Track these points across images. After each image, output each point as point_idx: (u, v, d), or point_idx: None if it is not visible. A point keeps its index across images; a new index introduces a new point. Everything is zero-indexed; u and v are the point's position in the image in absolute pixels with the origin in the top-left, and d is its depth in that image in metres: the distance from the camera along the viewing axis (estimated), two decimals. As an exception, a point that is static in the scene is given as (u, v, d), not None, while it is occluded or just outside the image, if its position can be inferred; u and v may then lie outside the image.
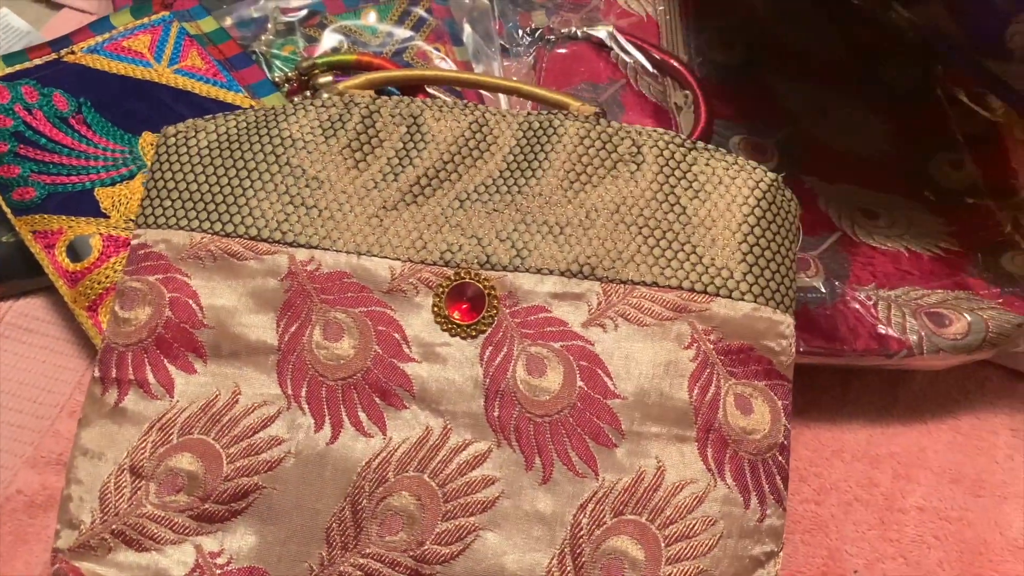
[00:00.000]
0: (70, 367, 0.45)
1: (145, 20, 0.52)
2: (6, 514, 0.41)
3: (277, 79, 0.52)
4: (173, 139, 0.42)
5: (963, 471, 0.46)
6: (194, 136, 0.42)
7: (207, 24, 0.52)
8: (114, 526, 0.36)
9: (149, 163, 0.46)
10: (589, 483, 0.36)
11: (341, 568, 0.35)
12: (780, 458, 0.37)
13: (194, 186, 0.41)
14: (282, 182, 0.41)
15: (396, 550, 0.35)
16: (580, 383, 0.38)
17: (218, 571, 0.35)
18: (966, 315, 0.43)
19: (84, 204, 0.44)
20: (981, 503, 0.45)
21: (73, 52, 0.50)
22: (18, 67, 0.48)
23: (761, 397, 0.38)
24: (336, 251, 0.40)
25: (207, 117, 0.43)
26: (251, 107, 0.47)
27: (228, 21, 0.55)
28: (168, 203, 0.41)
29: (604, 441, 0.37)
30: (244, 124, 0.42)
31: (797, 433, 0.44)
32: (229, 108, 0.48)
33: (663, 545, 0.35)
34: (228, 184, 0.41)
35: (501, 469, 0.36)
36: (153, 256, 0.40)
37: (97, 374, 0.38)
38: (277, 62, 0.53)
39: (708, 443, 0.37)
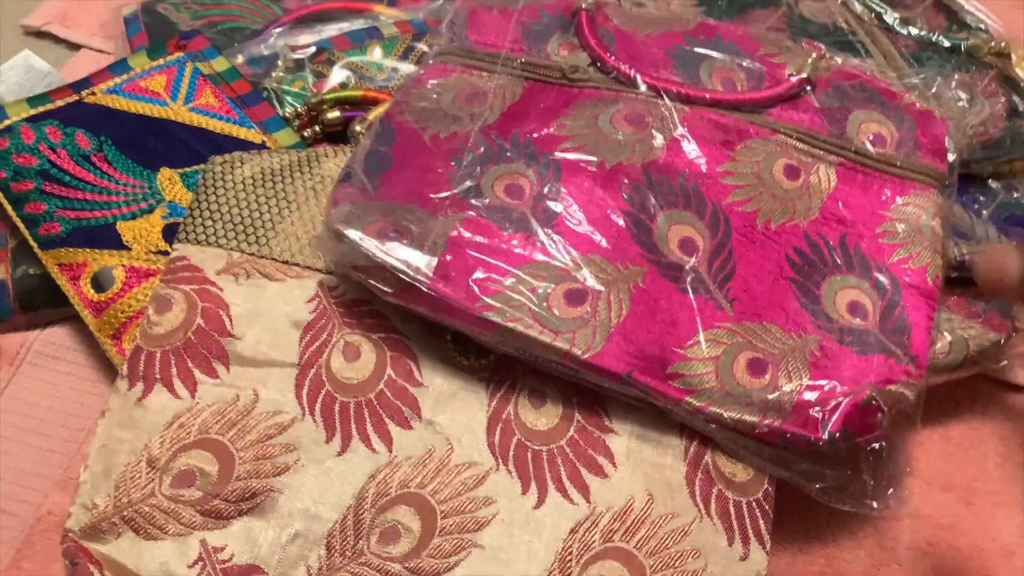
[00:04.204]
0: (95, 392, 0.47)
1: (161, 61, 0.54)
2: (37, 534, 0.43)
3: (287, 114, 0.54)
4: (220, 167, 0.46)
5: (955, 480, 0.47)
6: (240, 166, 0.46)
7: (219, 64, 0.55)
8: (125, 512, 0.37)
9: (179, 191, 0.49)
10: (581, 509, 0.38)
11: (338, 574, 0.37)
12: (764, 503, 0.39)
13: (235, 210, 0.44)
14: (319, 214, 0.44)
15: (392, 560, 0.37)
16: (578, 417, 0.40)
17: (220, 566, 0.37)
18: (947, 335, 0.44)
19: (107, 237, 0.46)
20: (973, 511, 0.46)
21: (94, 93, 0.52)
22: (42, 108, 0.51)
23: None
24: None
25: (252, 152, 0.47)
26: (291, 148, 0.50)
27: (239, 59, 0.57)
28: (209, 223, 0.44)
29: (597, 471, 0.39)
30: (287, 161, 0.46)
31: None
32: (242, 144, 0.51)
33: (648, 573, 0.37)
34: (268, 211, 0.44)
35: (498, 491, 0.38)
36: (190, 268, 0.43)
37: (125, 371, 0.40)
38: (287, 97, 0.55)
39: (696, 480, 0.39)
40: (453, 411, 0.40)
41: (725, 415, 0.38)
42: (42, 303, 0.48)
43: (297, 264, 0.43)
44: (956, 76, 0.53)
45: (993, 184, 0.51)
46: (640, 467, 0.39)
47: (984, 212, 0.50)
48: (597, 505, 0.38)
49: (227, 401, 0.40)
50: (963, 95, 0.52)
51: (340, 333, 0.41)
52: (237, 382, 0.40)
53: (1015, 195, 0.51)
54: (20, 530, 0.43)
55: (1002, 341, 0.45)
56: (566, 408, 0.40)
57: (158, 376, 0.40)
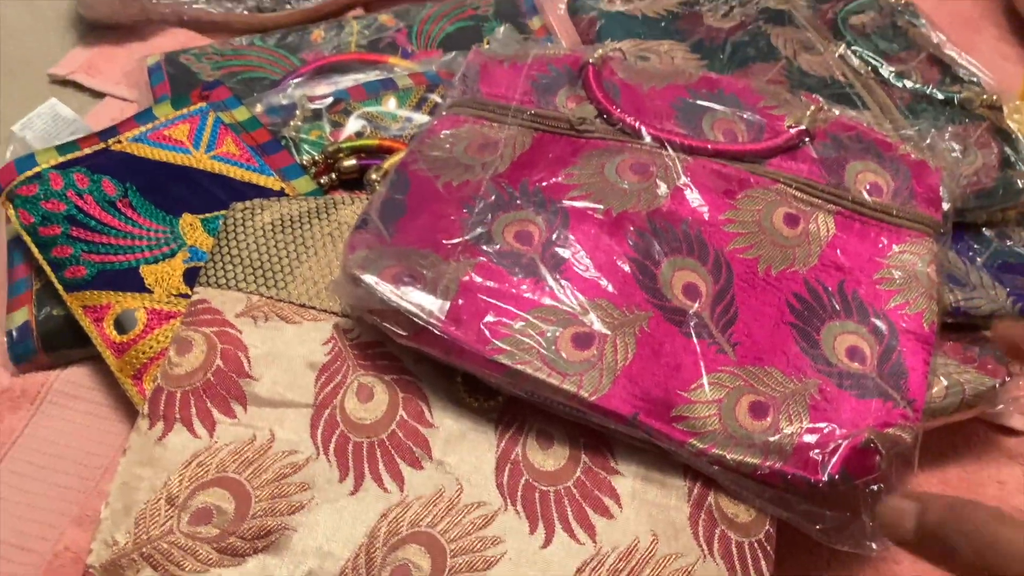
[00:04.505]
0: (113, 431, 0.48)
1: (184, 111, 0.56)
2: (55, 570, 0.44)
3: (305, 162, 0.56)
4: (240, 213, 0.48)
5: (953, 522, 0.48)
6: (259, 213, 0.47)
7: (240, 113, 0.57)
8: (144, 549, 0.38)
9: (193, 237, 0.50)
10: (587, 549, 0.39)
11: None
12: (766, 544, 0.40)
13: (255, 255, 0.46)
14: (335, 259, 0.46)
15: None
16: (585, 458, 0.41)
17: None
18: (943, 379, 0.45)
19: (130, 281, 0.48)
20: (972, 553, 0.47)
21: (120, 141, 0.54)
22: (70, 156, 0.53)
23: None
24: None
25: (271, 198, 0.48)
26: (308, 195, 0.52)
27: (258, 108, 0.59)
28: (229, 267, 0.46)
29: (603, 512, 0.40)
30: (305, 208, 0.48)
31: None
32: (262, 190, 0.53)
33: None
34: (286, 256, 0.46)
35: (506, 531, 0.39)
36: (210, 311, 0.44)
37: (146, 411, 0.42)
38: (305, 146, 0.57)
39: (700, 521, 0.40)
40: (463, 452, 0.41)
41: (728, 457, 0.39)
42: (64, 344, 0.50)
43: (314, 307, 0.45)
44: (950, 128, 0.55)
45: (987, 232, 0.53)
46: (645, 508, 0.40)
47: (978, 259, 0.51)
48: (603, 545, 0.39)
49: (244, 440, 0.41)
50: (956, 146, 0.53)
51: (354, 374, 0.43)
52: (254, 422, 0.41)
53: (1008, 243, 0.52)
54: (38, 566, 0.44)
55: (997, 386, 0.46)
56: (573, 449, 0.41)
57: (178, 416, 0.41)
